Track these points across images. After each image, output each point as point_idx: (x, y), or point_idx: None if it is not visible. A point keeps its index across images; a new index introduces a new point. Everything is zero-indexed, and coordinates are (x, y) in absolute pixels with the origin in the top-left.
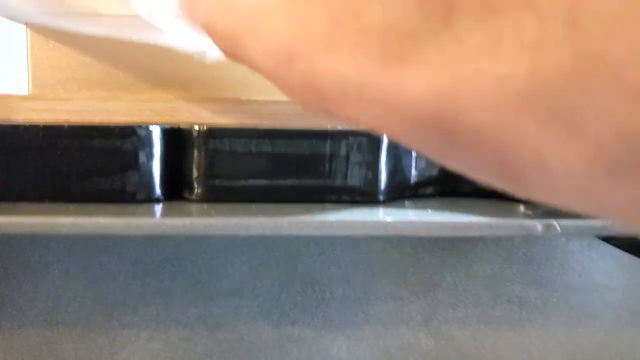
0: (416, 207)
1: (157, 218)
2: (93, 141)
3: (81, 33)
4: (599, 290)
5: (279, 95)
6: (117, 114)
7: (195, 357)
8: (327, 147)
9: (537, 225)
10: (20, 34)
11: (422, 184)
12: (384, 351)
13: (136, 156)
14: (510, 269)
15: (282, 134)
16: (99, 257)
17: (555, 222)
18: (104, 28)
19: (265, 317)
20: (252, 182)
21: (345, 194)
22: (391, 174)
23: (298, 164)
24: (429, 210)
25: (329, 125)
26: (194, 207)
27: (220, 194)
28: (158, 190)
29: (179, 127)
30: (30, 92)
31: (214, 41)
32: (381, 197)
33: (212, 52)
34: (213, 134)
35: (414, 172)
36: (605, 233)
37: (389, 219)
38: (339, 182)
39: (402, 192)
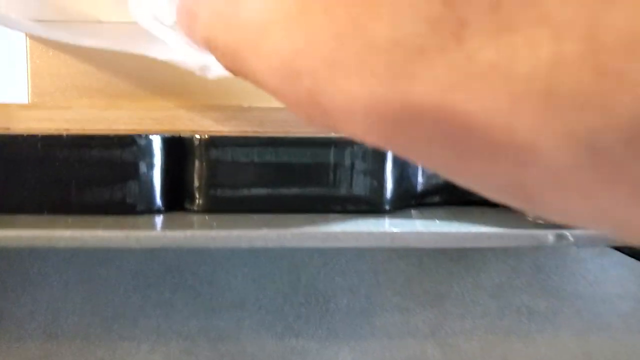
0: (423, 217)
1: (157, 230)
2: (92, 151)
3: (81, 46)
4: (611, 299)
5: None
6: (117, 123)
7: None
8: (331, 156)
9: (549, 235)
10: (19, 42)
11: (429, 192)
12: None
13: (136, 166)
14: (519, 279)
15: (285, 142)
16: (98, 269)
17: (567, 232)
18: (104, 41)
19: (269, 329)
20: (254, 191)
21: (350, 203)
22: (397, 182)
23: (301, 173)
24: (437, 221)
25: (333, 133)
26: (195, 218)
27: (222, 204)
28: (159, 201)
29: (179, 136)
30: (30, 101)
31: (216, 56)
32: (387, 207)
33: (214, 68)
34: (215, 142)
35: (420, 180)
36: (619, 242)
37: (395, 229)
38: (343, 191)
39: (408, 201)
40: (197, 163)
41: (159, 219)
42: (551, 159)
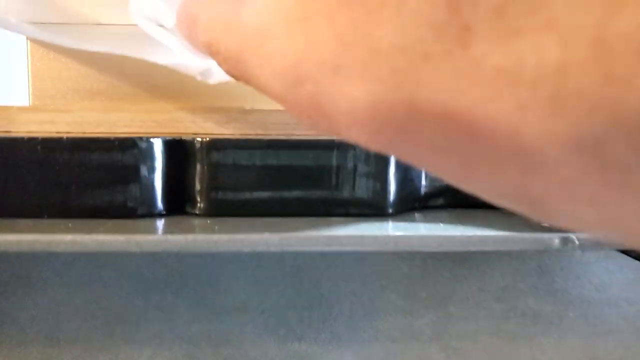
0: (427, 220)
1: (159, 234)
2: (93, 154)
3: (82, 50)
4: (618, 303)
5: None
6: (118, 125)
7: None
8: (334, 158)
9: (554, 238)
10: (20, 45)
11: (432, 194)
12: None
13: (137, 169)
14: (524, 282)
15: (287, 145)
16: (100, 273)
17: (573, 235)
18: (104, 45)
19: (271, 333)
20: (256, 195)
21: (353, 206)
22: (400, 185)
23: (304, 176)
24: (441, 224)
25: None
26: (197, 222)
27: (224, 208)
28: (160, 205)
29: (181, 139)
30: (30, 103)
31: (217, 61)
32: (390, 210)
33: (215, 72)
34: (216, 145)
35: (424, 182)
36: (625, 245)
37: (399, 233)
38: (346, 194)
39: (412, 203)
40: (198, 166)
41: (160, 223)
42: (558, 165)
